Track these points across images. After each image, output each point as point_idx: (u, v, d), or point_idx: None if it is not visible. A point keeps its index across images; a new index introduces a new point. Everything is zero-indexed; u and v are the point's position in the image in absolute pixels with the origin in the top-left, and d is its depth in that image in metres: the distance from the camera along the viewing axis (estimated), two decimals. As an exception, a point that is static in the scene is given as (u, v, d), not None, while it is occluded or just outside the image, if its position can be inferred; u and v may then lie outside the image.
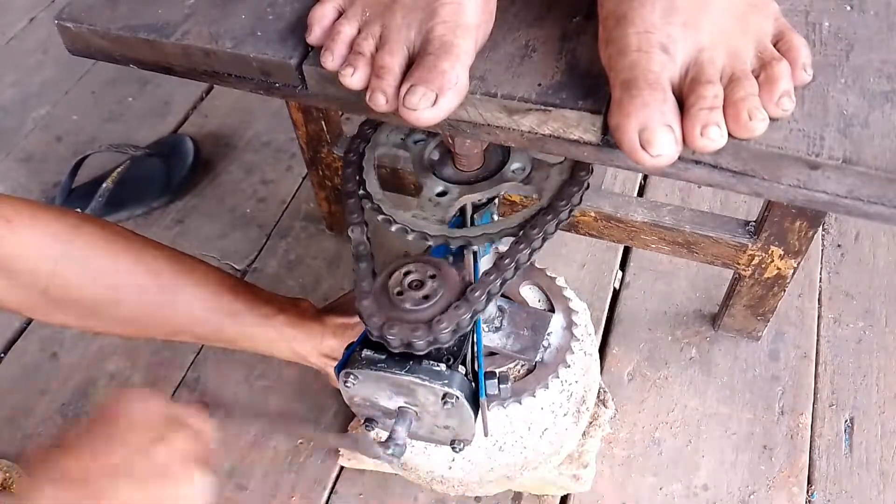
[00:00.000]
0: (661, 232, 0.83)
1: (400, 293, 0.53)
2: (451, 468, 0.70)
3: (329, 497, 0.84)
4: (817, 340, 0.93)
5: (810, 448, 0.85)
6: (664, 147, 0.37)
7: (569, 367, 0.70)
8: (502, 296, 0.66)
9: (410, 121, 0.40)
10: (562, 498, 0.82)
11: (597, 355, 0.78)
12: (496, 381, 0.55)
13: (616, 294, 0.99)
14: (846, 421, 0.86)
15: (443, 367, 0.52)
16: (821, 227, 0.99)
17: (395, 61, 0.42)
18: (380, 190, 0.57)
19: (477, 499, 0.82)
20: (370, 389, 0.55)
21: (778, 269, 0.81)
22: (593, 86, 0.42)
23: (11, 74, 1.38)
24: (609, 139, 0.41)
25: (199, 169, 1.17)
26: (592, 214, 0.84)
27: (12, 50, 1.43)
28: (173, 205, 1.14)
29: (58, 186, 1.12)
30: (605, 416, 0.82)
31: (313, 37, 0.46)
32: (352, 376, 0.54)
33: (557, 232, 0.55)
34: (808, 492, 0.82)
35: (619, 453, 0.85)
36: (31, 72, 1.38)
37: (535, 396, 0.68)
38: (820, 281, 0.99)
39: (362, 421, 0.59)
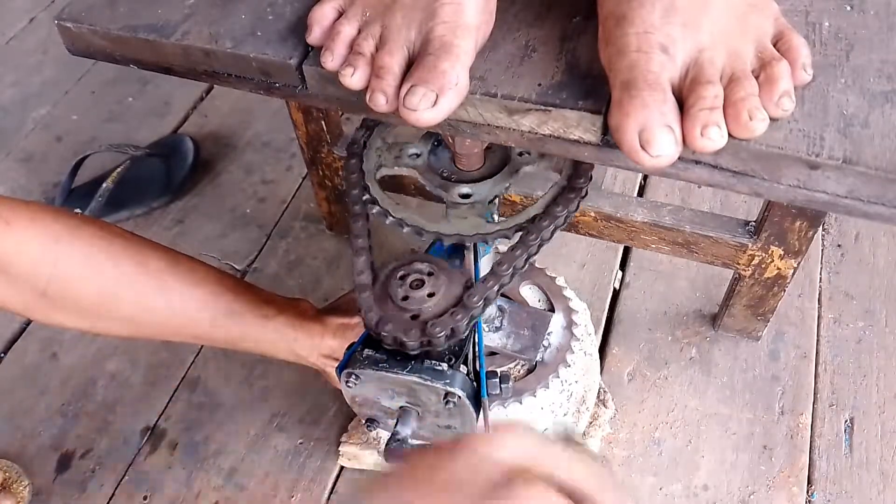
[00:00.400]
0: (661, 232, 0.83)
1: (401, 292, 0.53)
2: (451, 468, 0.69)
3: (329, 497, 0.84)
4: (817, 340, 0.93)
5: (810, 448, 0.85)
6: (664, 147, 0.37)
7: (569, 366, 0.70)
8: (502, 295, 0.66)
9: (411, 121, 0.40)
10: (562, 498, 0.82)
11: (597, 355, 0.78)
12: (497, 380, 0.56)
13: (616, 294, 0.99)
14: (846, 421, 0.86)
15: (445, 366, 0.52)
16: (821, 227, 0.99)
17: (394, 61, 0.42)
18: (377, 186, 0.58)
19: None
20: (372, 389, 0.55)
21: (778, 269, 0.81)
22: (593, 86, 0.42)
23: (11, 74, 1.38)
24: (609, 139, 0.41)
25: (199, 169, 1.17)
26: (592, 214, 0.84)
27: (12, 50, 1.43)
28: (173, 205, 1.14)
29: (58, 186, 1.12)
30: (605, 416, 0.82)
31: (313, 37, 0.46)
32: (353, 376, 0.54)
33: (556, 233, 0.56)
34: (808, 492, 0.82)
35: (619, 453, 0.85)
36: (31, 72, 1.38)
37: (535, 396, 0.68)
38: (820, 281, 0.99)
39: (364, 421, 0.59)
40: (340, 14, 0.46)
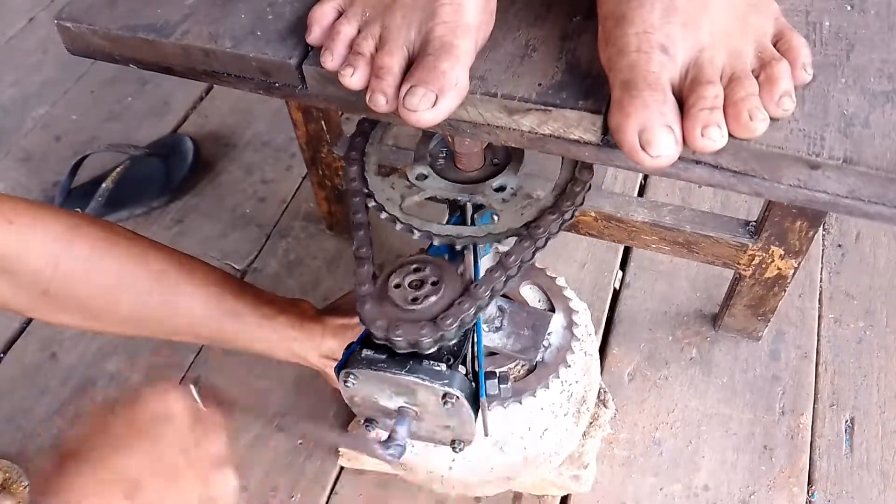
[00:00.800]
0: (662, 232, 0.82)
1: (401, 294, 0.53)
2: (451, 468, 0.69)
3: (329, 497, 0.84)
4: (818, 340, 0.93)
5: (811, 448, 0.84)
6: (664, 147, 0.37)
7: (569, 366, 0.70)
8: (502, 295, 0.66)
9: (410, 122, 0.40)
10: (562, 498, 0.82)
11: (597, 355, 0.78)
12: (496, 380, 0.55)
13: (616, 294, 0.99)
14: (847, 421, 0.86)
15: (443, 366, 0.52)
16: (821, 227, 0.99)
17: (394, 62, 0.42)
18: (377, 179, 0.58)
19: (477, 499, 0.82)
20: (370, 389, 0.55)
21: (778, 269, 0.81)
22: (593, 86, 0.42)
23: (11, 74, 1.38)
24: (609, 139, 0.41)
25: (198, 169, 1.17)
26: (593, 214, 0.84)
27: (12, 50, 1.43)
28: (173, 204, 1.14)
29: (57, 186, 1.12)
30: (606, 416, 0.82)
31: (313, 37, 0.45)
32: (352, 376, 0.54)
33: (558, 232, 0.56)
34: (808, 492, 0.82)
35: (619, 453, 0.85)
36: (31, 71, 1.38)
37: (535, 396, 0.68)
38: (820, 281, 0.99)
39: (362, 421, 0.59)
40: (340, 14, 0.46)
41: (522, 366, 0.71)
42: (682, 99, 0.39)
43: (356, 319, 0.72)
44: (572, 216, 0.55)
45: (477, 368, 0.56)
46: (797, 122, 0.40)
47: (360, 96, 0.43)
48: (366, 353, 0.54)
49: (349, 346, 0.56)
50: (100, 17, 0.50)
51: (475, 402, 0.54)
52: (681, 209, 0.82)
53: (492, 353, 0.70)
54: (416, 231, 0.55)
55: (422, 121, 0.40)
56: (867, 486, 0.81)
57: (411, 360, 0.53)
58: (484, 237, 0.55)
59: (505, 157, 0.59)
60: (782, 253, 0.79)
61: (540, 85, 0.42)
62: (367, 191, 0.58)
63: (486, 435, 0.59)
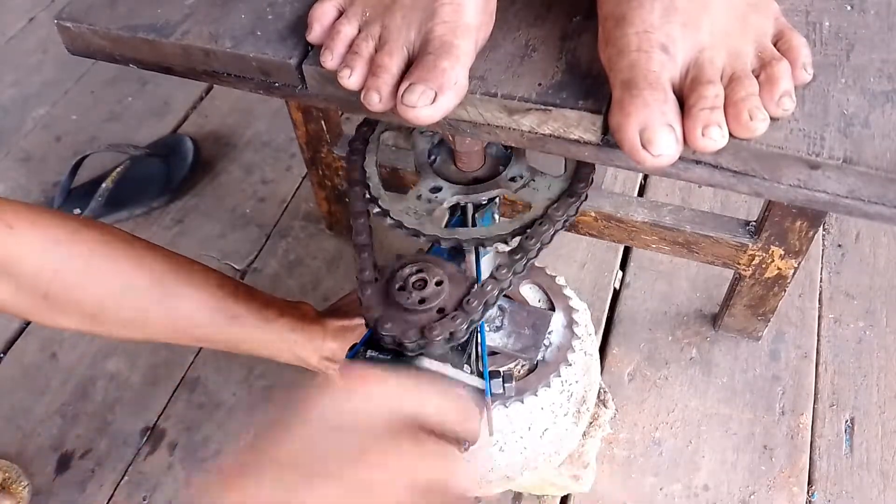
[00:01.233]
0: (662, 232, 0.82)
1: (403, 291, 0.53)
2: (451, 468, 0.69)
3: (329, 497, 0.84)
4: (818, 340, 0.93)
5: (811, 448, 0.84)
6: (665, 147, 0.37)
7: (570, 365, 0.70)
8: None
9: (409, 118, 0.40)
10: (562, 498, 0.82)
11: (597, 355, 0.78)
12: (501, 380, 0.55)
13: (616, 294, 0.99)
14: (847, 421, 0.86)
15: (448, 366, 0.52)
16: (821, 226, 0.99)
17: (392, 61, 0.42)
18: (379, 185, 0.57)
19: (477, 499, 0.82)
20: None
21: (778, 268, 0.81)
22: (593, 85, 0.42)
23: (11, 74, 1.38)
24: (609, 139, 0.41)
25: (198, 169, 1.17)
26: (592, 214, 0.84)
27: (12, 50, 1.43)
28: (173, 205, 1.14)
29: (57, 186, 1.12)
30: (606, 416, 0.82)
31: (313, 35, 0.45)
32: None
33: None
34: (808, 492, 0.82)
35: (619, 453, 0.85)
36: (31, 71, 1.38)
37: (537, 395, 0.68)
38: (820, 281, 0.99)
39: None
40: (341, 13, 0.46)
41: (523, 365, 0.71)
42: (683, 99, 0.39)
43: (357, 321, 0.73)
44: (586, 197, 0.56)
45: (481, 368, 0.56)
46: (797, 122, 0.40)
47: (359, 96, 0.43)
48: (370, 353, 0.54)
49: (352, 347, 0.56)
50: (100, 17, 0.50)
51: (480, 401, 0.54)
52: (681, 209, 0.82)
53: (493, 353, 0.70)
54: (422, 236, 0.55)
55: (420, 118, 0.40)
56: (867, 486, 0.81)
57: (416, 360, 0.53)
58: (491, 238, 0.55)
59: (497, 170, 0.59)
60: (782, 253, 0.79)
61: (540, 85, 0.42)
62: (369, 195, 0.58)
63: (491, 434, 0.59)
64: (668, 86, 0.38)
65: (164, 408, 0.91)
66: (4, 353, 0.98)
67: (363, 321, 0.54)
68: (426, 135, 0.59)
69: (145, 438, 0.89)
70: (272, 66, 0.46)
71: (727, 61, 0.40)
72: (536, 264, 0.77)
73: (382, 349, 0.54)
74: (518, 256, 0.54)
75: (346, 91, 0.44)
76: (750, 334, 0.92)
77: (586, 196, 0.56)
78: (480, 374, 0.55)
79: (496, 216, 0.61)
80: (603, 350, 0.93)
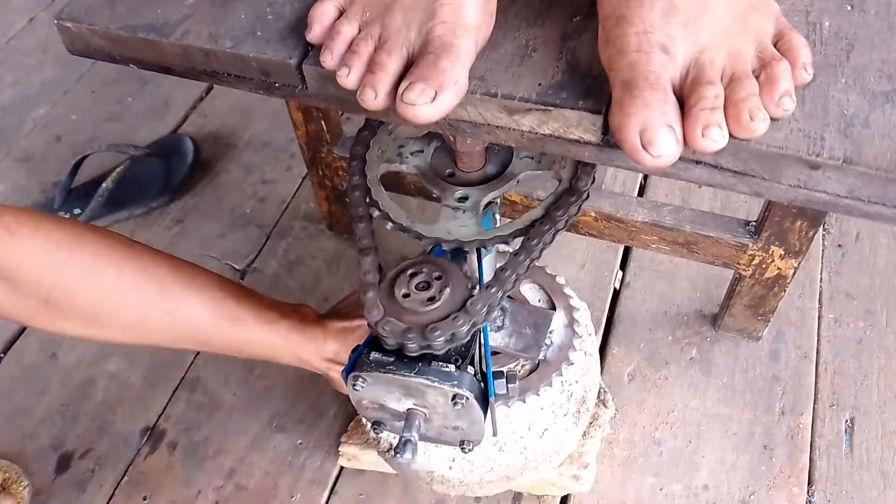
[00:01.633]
0: (662, 232, 0.82)
1: (405, 292, 0.53)
2: (451, 468, 0.69)
3: (329, 497, 0.84)
4: (818, 340, 0.93)
5: (811, 448, 0.84)
6: (665, 147, 0.37)
7: (572, 364, 0.70)
8: (503, 296, 0.66)
9: (408, 116, 0.40)
10: (562, 498, 0.82)
11: (597, 355, 0.78)
12: (504, 380, 0.56)
13: (616, 294, 0.99)
14: (846, 421, 0.86)
15: (452, 368, 0.52)
16: (821, 227, 0.99)
17: (391, 60, 0.42)
18: (388, 199, 0.57)
19: (477, 499, 0.82)
20: (379, 392, 0.55)
21: (778, 269, 0.81)
22: (594, 86, 0.42)
23: (11, 74, 1.38)
24: (609, 139, 0.41)
25: (198, 169, 1.17)
26: (592, 214, 0.84)
27: (12, 50, 1.43)
28: (173, 205, 1.14)
29: (57, 186, 1.12)
30: (606, 416, 0.82)
31: (313, 35, 0.45)
32: (360, 379, 0.54)
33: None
34: (808, 492, 0.82)
35: (619, 453, 0.85)
36: (31, 71, 1.38)
37: (538, 395, 0.68)
38: (820, 281, 0.99)
39: (370, 424, 0.59)
40: (341, 13, 0.46)
41: (523, 365, 0.71)
42: (683, 99, 0.39)
43: (358, 322, 0.73)
44: (594, 181, 0.56)
45: (484, 368, 0.56)
46: (797, 122, 0.40)
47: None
48: (374, 355, 0.54)
49: (355, 348, 0.56)
50: (100, 17, 0.50)
51: (484, 402, 0.54)
52: (681, 209, 0.82)
53: (494, 353, 0.70)
54: (424, 237, 0.55)
55: (419, 116, 0.40)
56: (867, 486, 0.81)
57: (420, 361, 0.53)
58: (493, 238, 0.55)
59: (503, 163, 0.59)
60: (782, 253, 0.79)
61: (540, 85, 0.42)
62: (369, 198, 0.57)
63: (495, 434, 0.59)
64: (668, 86, 0.38)
65: (164, 408, 0.91)
66: (4, 353, 0.98)
67: (364, 322, 0.54)
68: (417, 152, 0.59)
69: (145, 438, 0.89)
70: (272, 66, 0.46)
71: (727, 62, 0.40)
72: (536, 264, 0.78)
73: (385, 350, 0.54)
74: (521, 257, 0.54)
75: (345, 90, 0.43)
76: (750, 334, 0.92)
77: (587, 195, 0.56)
78: (484, 375, 0.55)
79: (497, 217, 0.61)
80: (603, 350, 0.93)
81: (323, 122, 0.89)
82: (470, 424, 0.55)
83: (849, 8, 0.46)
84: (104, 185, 1.09)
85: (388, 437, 0.71)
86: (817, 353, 0.92)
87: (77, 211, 1.10)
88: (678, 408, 0.88)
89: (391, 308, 0.53)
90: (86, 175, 1.13)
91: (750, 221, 0.81)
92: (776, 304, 0.87)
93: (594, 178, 0.56)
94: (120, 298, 0.63)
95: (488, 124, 0.44)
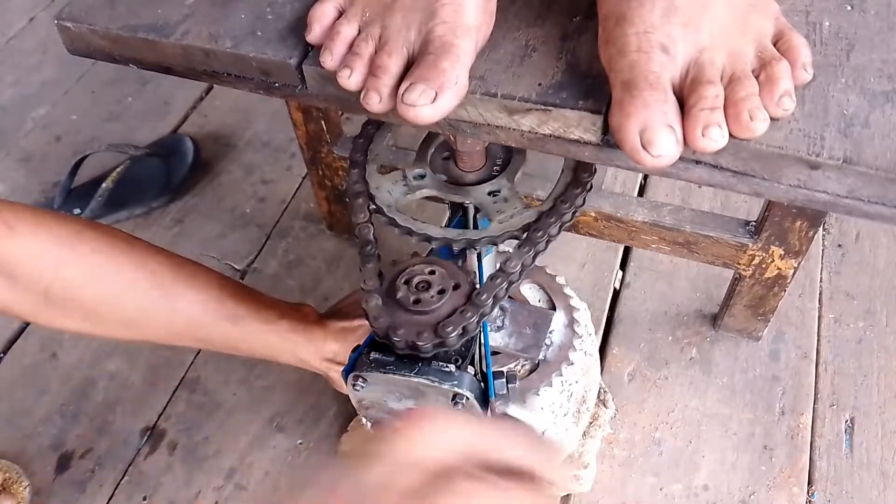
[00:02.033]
0: (662, 232, 0.82)
1: (407, 294, 0.53)
2: (451, 468, 0.69)
3: (329, 497, 0.84)
4: (818, 340, 0.93)
5: (811, 448, 0.84)
6: (665, 147, 0.37)
7: (572, 364, 0.70)
8: (504, 295, 0.66)
9: (409, 117, 0.40)
10: (562, 498, 0.82)
11: (597, 355, 0.78)
12: (504, 380, 0.56)
13: (616, 294, 0.99)
14: (847, 421, 0.86)
15: (452, 367, 0.52)
16: (821, 227, 0.99)
17: (392, 62, 0.42)
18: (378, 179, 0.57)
19: (477, 499, 0.82)
20: (379, 392, 0.55)
21: (778, 269, 0.81)
22: (594, 86, 0.42)
23: (11, 74, 1.38)
24: (609, 139, 0.41)
25: (198, 169, 1.17)
26: (592, 214, 0.84)
27: (12, 50, 1.43)
28: (173, 205, 1.14)
29: (57, 186, 1.12)
30: (606, 416, 0.82)
31: (313, 35, 0.45)
32: (360, 379, 0.54)
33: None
34: (808, 492, 0.82)
35: (619, 453, 0.85)
36: (31, 71, 1.38)
37: (538, 395, 0.68)
38: (820, 281, 0.99)
39: (370, 424, 0.59)
40: (341, 13, 0.46)
41: (523, 365, 0.71)
42: (683, 99, 0.39)
43: (358, 322, 0.73)
44: (594, 173, 0.56)
45: (485, 368, 0.56)
46: (797, 122, 0.40)
47: (359, 97, 0.43)
48: (374, 355, 0.54)
49: (355, 348, 0.56)
50: (100, 17, 0.50)
51: (484, 402, 0.54)
52: (681, 209, 0.82)
53: (494, 353, 0.70)
54: (433, 239, 0.55)
55: (420, 117, 0.40)
56: (867, 486, 0.81)
57: (420, 362, 0.53)
58: (493, 237, 0.55)
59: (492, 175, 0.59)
60: (782, 253, 0.79)
61: (540, 85, 0.42)
62: (370, 199, 0.58)
63: None
64: (668, 86, 0.38)
65: (164, 408, 0.91)
66: (4, 353, 0.98)
67: (365, 322, 0.54)
68: (419, 178, 0.59)
69: (145, 438, 0.89)
70: (272, 66, 0.46)
71: (727, 61, 0.40)
72: (536, 263, 0.78)
73: (386, 351, 0.54)
74: (526, 249, 0.54)
75: (345, 91, 0.44)
76: (750, 334, 0.92)
77: (591, 186, 0.56)
78: (484, 375, 0.55)
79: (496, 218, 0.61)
80: (603, 350, 0.93)
81: (323, 122, 0.89)
82: None
83: (849, 8, 0.46)
84: (104, 185, 1.09)
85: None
86: (817, 353, 0.92)
87: (77, 211, 1.10)
88: (678, 408, 0.88)
89: (395, 312, 0.53)
90: (86, 175, 1.13)
91: (750, 221, 0.81)
92: (776, 304, 0.87)
93: (595, 170, 0.56)
94: (119, 294, 0.63)
95: (488, 124, 0.44)
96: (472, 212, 0.59)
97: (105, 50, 0.51)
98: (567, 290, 0.76)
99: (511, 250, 0.54)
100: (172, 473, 0.86)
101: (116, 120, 1.28)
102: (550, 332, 0.72)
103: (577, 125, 0.42)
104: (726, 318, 0.91)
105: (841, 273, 0.99)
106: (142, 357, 0.96)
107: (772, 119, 0.38)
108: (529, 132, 0.43)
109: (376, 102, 0.41)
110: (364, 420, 0.60)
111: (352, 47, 0.44)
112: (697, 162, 0.41)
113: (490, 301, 0.52)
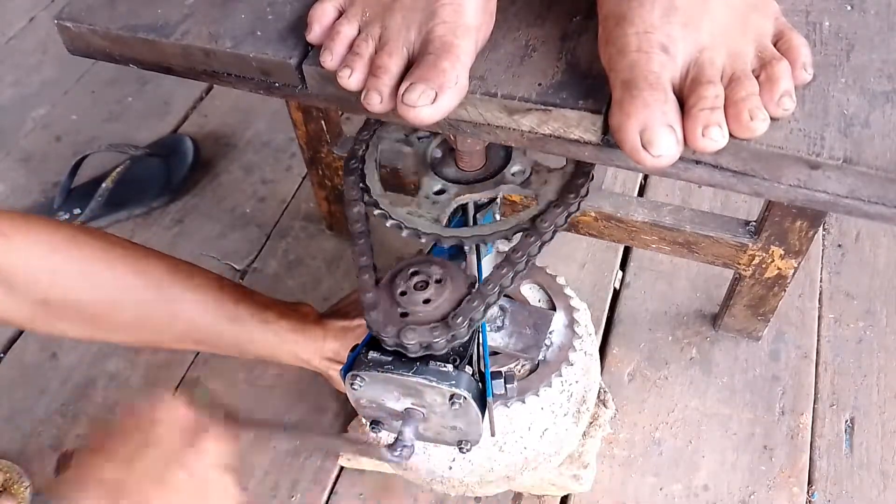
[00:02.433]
0: (662, 232, 0.82)
1: (403, 293, 0.53)
2: (451, 468, 0.70)
3: (329, 497, 0.84)
4: (818, 340, 0.93)
5: (811, 448, 0.84)
6: (665, 147, 0.37)
7: (571, 364, 0.70)
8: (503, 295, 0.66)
9: (409, 118, 0.40)
10: (562, 498, 0.82)
11: (597, 355, 0.78)
12: (502, 380, 0.56)
13: (616, 294, 0.99)
14: (847, 421, 0.86)
15: (450, 367, 0.52)
16: (821, 226, 0.99)
17: (392, 62, 0.42)
18: (380, 187, 0.57)
19: (477, 499, 0.82)
20: (377, 391, 0.55)
21: (778, 268, 0.81)
22: (594, 86, 0.42)
23: (11, 74, 1.38)
24: (609, 139, 0.41)
25: (198, 169, 1.17)
26: (593, 214, 0.84)
27: (12, 50, 1.43)
28: (173, 205, 1.14)
29: (57, 186, 1.12)
30: (606, 416, 0.82)
31: (313, 35, 0.45)
32: (358, 378, 0.54)
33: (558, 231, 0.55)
34: (808, 492, 0.82)
35: (619, 453, 0.85)
36: (31, 71, 1.38)
37: (538, 395, 0.68)
38: (820, 281, 0.99)
39: (368, 423, 0.59)
40: (341, 13, 0.46)
41: (523, 365, 0.71)
42: (683, 99, 0.39)
43: (357, 321, 0.73)
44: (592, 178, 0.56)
45: (483, 368, 0.56)
46: (797, 122, 0.40)
47: (359, 97, 0.43)
48: (372, 354, 0.54)
49: (353, 348, 0.56)
50: (100, 17, 0.50)
51: (482, 402, 0.54)
52: (681, 209, 0.82)
53: (494, 353, 0.70)
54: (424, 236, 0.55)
55: (420, 117, 0.40)
56: (867, 486, 0.81)
57: (418, 361, 0.53)
58: (493, 235, 0.54)
59: (499, 168, 0.59)
60: (782, 253, 0.79)
61: (540, 85, 0.42)
62: (371, 199, 0.57)
63: (493, 435, 0.59)
64: (668, 86, 0.38)
65: (164, 408, 0.91)
66: (4, 353, 0.98)
67: (364, 321, 0.54)
68: (423, 138, 0.59)
69: (145, 438, 0.89)
70: (272, 66, 0.46)
71: (727, 61, 0.40)
72: (536, 264, 0.78)
73: (384, 350, 0.54)
74: (532, 239, 0.53)
75: (346, 91, 0.44)
76: (750, 334, 0.92)
77: (592, 177, 0.56)
78: (482, 375, 0.55)
79: (497, 215, 0.61)
80: (603, 350, 0.93)
81: (323, 122, 0.89)
82: (468, 424, 0.55)
83: (849, 8, 0.46)
84: (104, 185, 1.09)
85: (387, 437, 0.71)
86: (817, 353, 0.92)
87: (77, 211, 1.10)
88: (678, 408, 0.88)
89: (390, 309, 0.53)
90: (86, 175, 1.13)
91: (750, 221, 0.81)
92: (776, 304, 0.87)
93: (588, 191, 0.56)
94: (117, 299, 0.63)
95: (488, 124, 0.44)
96: (472, 211, 0.59)
97: (105, 50, 0.51)
98: (567, 291, 0.76)
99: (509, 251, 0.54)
100: (172, 473, 0.86)
101: (116, 120, 1.28)
102: (550, 333, 0.72)
103: (578, 125, 0.42)
104: (726, 318, 0.91)
105: (841, 273, 0.99)
106: (142, 357, 0.96)
107: (772, 119, 0.38)
108: (529, 132, 0.43)
109: (377, 102, 0.41)
110: (363, 420, 0.60)
111: (352, 47, 0.44)
112: (697, 162, 0.41)
113: (496, 290, 0.52)
